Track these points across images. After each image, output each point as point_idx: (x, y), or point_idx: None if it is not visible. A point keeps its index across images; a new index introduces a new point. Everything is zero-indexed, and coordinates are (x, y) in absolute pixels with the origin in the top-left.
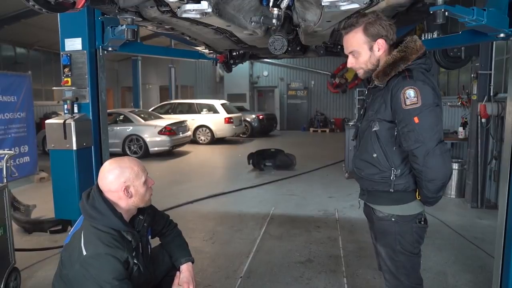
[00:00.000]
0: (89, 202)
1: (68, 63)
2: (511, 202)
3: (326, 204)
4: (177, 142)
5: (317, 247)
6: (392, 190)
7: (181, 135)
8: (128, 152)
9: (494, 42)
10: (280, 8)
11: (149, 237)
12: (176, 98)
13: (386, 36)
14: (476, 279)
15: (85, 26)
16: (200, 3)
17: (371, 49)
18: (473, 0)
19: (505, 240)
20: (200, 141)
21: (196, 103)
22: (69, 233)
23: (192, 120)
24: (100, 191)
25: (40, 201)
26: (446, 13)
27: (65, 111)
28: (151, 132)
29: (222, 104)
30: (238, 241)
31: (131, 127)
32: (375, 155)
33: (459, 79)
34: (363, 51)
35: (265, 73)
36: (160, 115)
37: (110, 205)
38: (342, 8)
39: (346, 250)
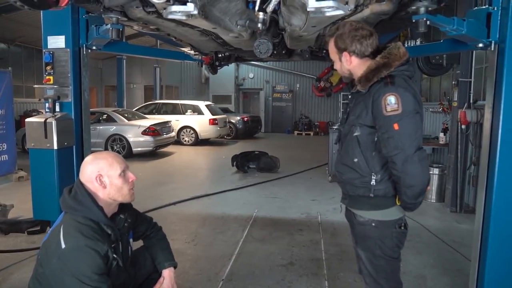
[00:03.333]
0: (71, 194)
1: (51, 61)
2: (487, 207)
3: (309, 207)
4: (161, 143)
5: (299, 250)
6: (372, 195)
7: (165, 135)
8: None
9: (474, 51)
10: (266, 12)
11: (131, 239)
12: (161, 98)
13: (352, 51)
14: (454, 282)
15: (69, 24)
16: (186, 4)
17: (340, 59)
18: (455, 10)
19: (481, 244)
20: (184, 142)
21: (180, 104)
22: (49, 230)
23: (177, 121)
24: (81, 184)
25: (18, 201)
26: (428, 22)
27: (46, 110)
28: (135, 132)
29: (207, 105)
30: (221, 243)
31: (114, 127)
32: (356, 159)
33: (440, 86)
34: (336, 60)
35: (251, 75)
36: (144, 115)
37: (92, 197)
38: (327, 14)
39: (328, 253)
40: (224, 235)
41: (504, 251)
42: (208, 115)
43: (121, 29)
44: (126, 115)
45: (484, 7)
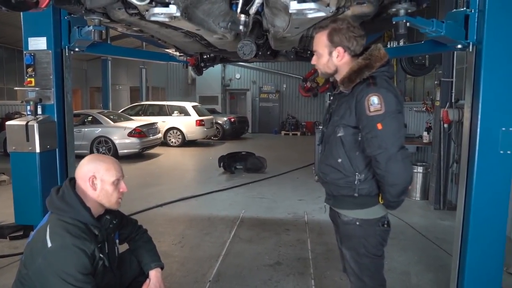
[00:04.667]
0: (59, 195)
1: (32, 63)
2: (467, 204)
3: (296, 207)
4: (147, 145)
5: (286, 249)
6: (357, 195)
7: (151, 137)
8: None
9: (455, 52)
10: (249, 14)
11: (117, 241)
12: (147, 99)
13: (347, 47)
14: (437, 278)
15: (50, 25)
16: (168, 6)
17: (330, 54)
18: (437, 12)
19: (462, 239)
20: (171, 144)
21: (167, 105)
22: (33, 232)
23: (163, 122)
24: (71, 185)
25: (0, 205)
26: (408, 23)
27: (28, 113)
28: (121, 134)
29: (194, 106)
30: (208, 245)
31: (99, 129)
32: (339, 160)
33: (424, 85)
34: (324, 54)
35: (238, 76)
36: (130, 117)
37: (80, 198)
38: (309, 16)
39: (315, 253)
40: (211, 236)
41: (483, 246)
42: (194, 116)
43: (103, 31)
44: (111, 117)
45: (462, 9)
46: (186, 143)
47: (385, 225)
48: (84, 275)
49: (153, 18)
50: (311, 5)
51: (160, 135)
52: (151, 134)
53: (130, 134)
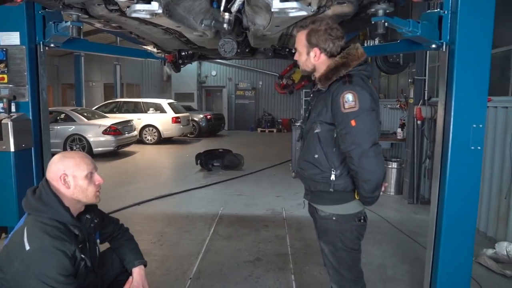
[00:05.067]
0: (36, 195)
1: (4, 59)
2: (441, 199)
3: (274, 203)
4: (123, 142)
5: (265, 245)
6: (332, 190)
7: (126, 135)
8: None
9: (428, 51)
10: (231, 12)
11: (98, 240)
12: (122, 96)
13: (323, 49)
14: (412, 270)
15: (23, 19)
16: (150, 3)
17: (308, 53)
18: (410, 12)
19: (436, 232)
20: (147, 141)
21: (142, 102)
22: (8, 235)
23: (139, 120)
24: (48, 184)
25: None
26: (386, 23)
27: (1, 110)
28: (95, 131)
29: (170, 104)
30: (187, 242)
31: (73, 127)
32: (316, 156)
33: (398, 83)
34: (303, 53)
35: (214, 73)
36: (105, 114)
37: (58, 197)
38: (291, 14)
39: (294, 248)
40: (190, 234)
41: (455, 238)
42: (170, 114)
43: (81, 27)
44: (85, 114)
45: (436, 10)
46: (162, 140)
47: (362, 220)
48: (65, 277)
49: (134, 15)
50: (294, 4)
51: (135, 132)
52: (126, 131)
53: (105, 132)
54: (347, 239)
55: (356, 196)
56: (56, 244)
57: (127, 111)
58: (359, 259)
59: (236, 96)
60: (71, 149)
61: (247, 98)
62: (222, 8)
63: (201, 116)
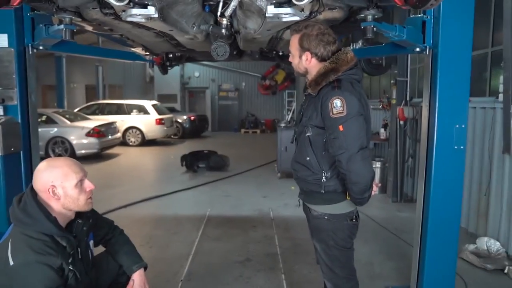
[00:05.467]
0: (20, 206)
1: None
2: (427, 196)
3: (261, 204)
4: (106, 144)
5: (254, 246)
6: (323, 191)
7: (110, 137)
8: (52, 155)
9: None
10: (224, 17)
11: (91, 242)
12: (104, 98)
13: (314, 53)
14: (398, 266)
15: (12, 21)
16: (146, 8)
17: (300, 57)
18: (391, 17)
19: (422, 229)
20: (130, 143)
21: (125, 104)
22: None
23: (122, 121)
24: (34, 194)
25: None
26: (375, 28)
27: None
28: (78, 134)
29: (153, 105)
30: (176, 244)
31: (55, 129)
32: (308, 158)
33: (380, 84)
34: (295, 56)
35: (197, 74)
36: (88, 116)
37: (43, 208)
38: (284, 19)
39: (283, 248)
40: (179, 235)
41: (440, 235)
42: (154, 115)
43: (75, 30)
44: (67, 116)
45: (419, 15)
46: (146, 142)
47: (354, 220)
48: None
49: (129, 19)
50: (288, 10)
51: (119, 134)
52: (110, 133)
53: (89, 134)
54: (339, 238)
55: (347, 197)
56: (40, 259)
57: (110, 113)
58: (352, 258)
59: (220, 97)
60: (53, 151)
61: (230, 99)
62: (219, 14)
63: (185, 117)
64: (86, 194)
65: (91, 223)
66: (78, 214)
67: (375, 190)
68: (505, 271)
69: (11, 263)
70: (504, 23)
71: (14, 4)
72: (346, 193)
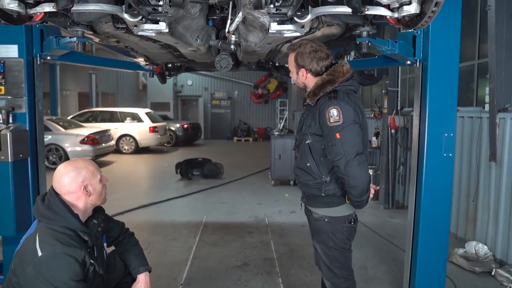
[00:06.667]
0: (45, 204)
1: (2, 71)
2: (418, 202)
3: (256, 211)
4: (100, 152)
5: (251, 251)
6: (324, 195)
7: (104, 144)
8: (46, 163)
9: None
10: (229, 32)
11: (105, 244)
12: (97, 105)
13: (309, 69)
14: (391, 270)
15: (22, 33)
16: (158, 23)
17: (297, 73)
18: (382, 33)
19: (413, 234)
20: (124, 151)
21: (119, 112)
22: (21, 240)
23: (115, 129)
24: (56, 194)
25: None
26: (369, 43)
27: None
28: (72, 141)
29: (147, 113)
30: (175, 250)
31: (49, 136)
32: (308, 164)
33: (371, 94)
34: (293, 72)
35: (189, 82)
36: (81, 124)
37: (67, 206)
38: (285, 35)
39: (279, 253)
40: (177, 241)
41: (431, 239)
42: (148, 123)
43: (87, 42)
44: (61, 123)
45: (410, 30)
46: (139, 150)
47: (352, 223)
48: (76, 282)
49: (141, 33)
50: (290, 26)
51: (113, 142)
52: (104, 141)
53: (83, 142)
54: (338, 239)
55: (346, 200)
56: (67, 250)
57: (103, 121)
58: (350, 259)
59: (212, 106)
60: (47, 159)
61: (223, 108)
62: (226, 30)
63: (178, 125)
64: (104, 187)
65: (105, 225)
66: (93, 214)
67: (372, 193)
68: (492, 273)
69: (39, 254)
70: (489, 38)
71: (36, 20)
72: (345, 196)
